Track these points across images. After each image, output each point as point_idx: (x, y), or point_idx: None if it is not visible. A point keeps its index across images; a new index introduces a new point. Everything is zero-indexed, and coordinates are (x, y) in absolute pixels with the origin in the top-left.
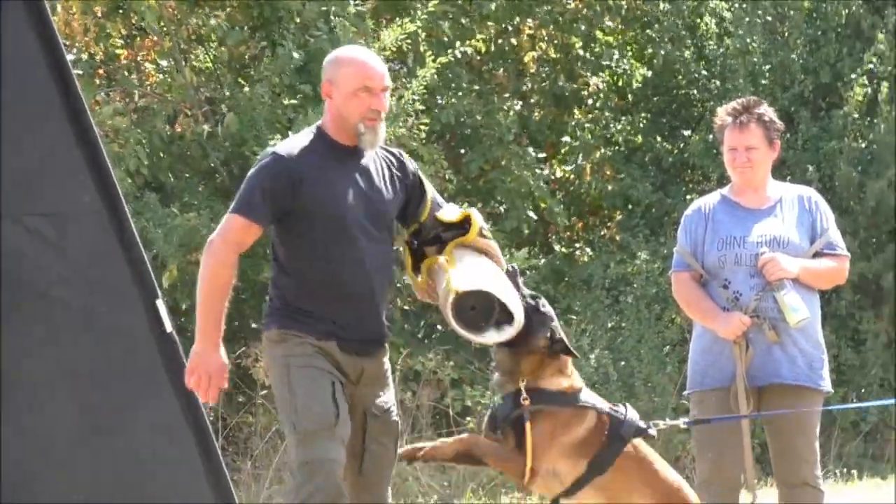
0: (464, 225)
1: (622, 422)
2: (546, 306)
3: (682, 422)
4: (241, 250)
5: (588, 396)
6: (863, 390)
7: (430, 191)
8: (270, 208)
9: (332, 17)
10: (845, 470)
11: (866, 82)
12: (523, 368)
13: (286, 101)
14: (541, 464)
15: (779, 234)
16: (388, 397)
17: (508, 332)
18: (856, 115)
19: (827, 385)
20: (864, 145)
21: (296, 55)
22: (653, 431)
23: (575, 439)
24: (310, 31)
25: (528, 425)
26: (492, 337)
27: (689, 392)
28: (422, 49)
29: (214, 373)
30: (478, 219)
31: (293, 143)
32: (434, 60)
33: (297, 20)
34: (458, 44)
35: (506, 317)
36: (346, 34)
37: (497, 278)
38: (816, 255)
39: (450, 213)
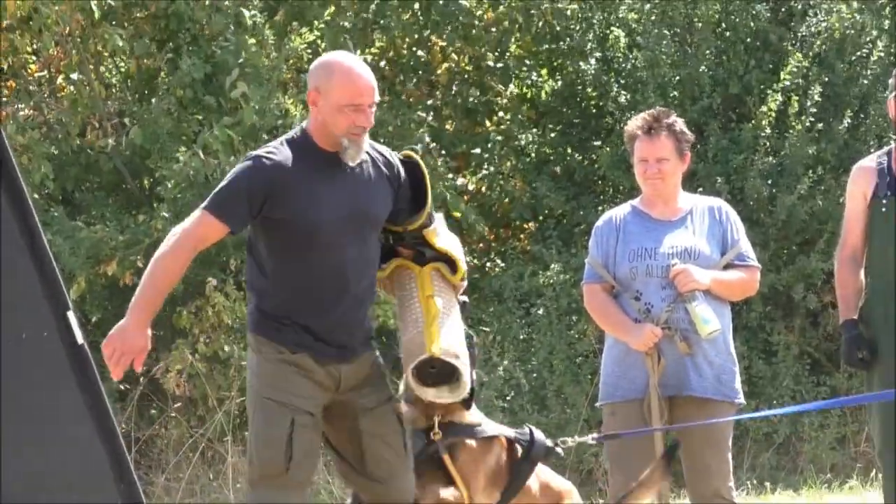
0: (447, 258)
1: (532, 445)
2: (473, 347)
3: (590, 437)
4: (202, 248)
5: (490, 426)
6: (774, 402)
7: (430, 203)
8: (246, 212)
9: (235, 29)
10: (757, 482)
11: (779, 97)
12: (438, 409)
13: (190, 115)
14: (476, 494)
15: (690, 246)
16: (378, 393)
17: (449, 398)
18: (767, 130)
19: (738, 397)
20: (773, 159)
21: (198, 67)
22: (559, 450)
23: (490, 469)
24: (217, 42)
25: (446, 458)
26: (430, 395)
27: (601, 403)
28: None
29: (130, 350)
30: (463, 265)
31: (276, 148)
32: None
33: (204, 32)
34: (358, 53)
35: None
36: (247, 48)
37: (462, 337)
38: (727, 266)
39: (442, 241)
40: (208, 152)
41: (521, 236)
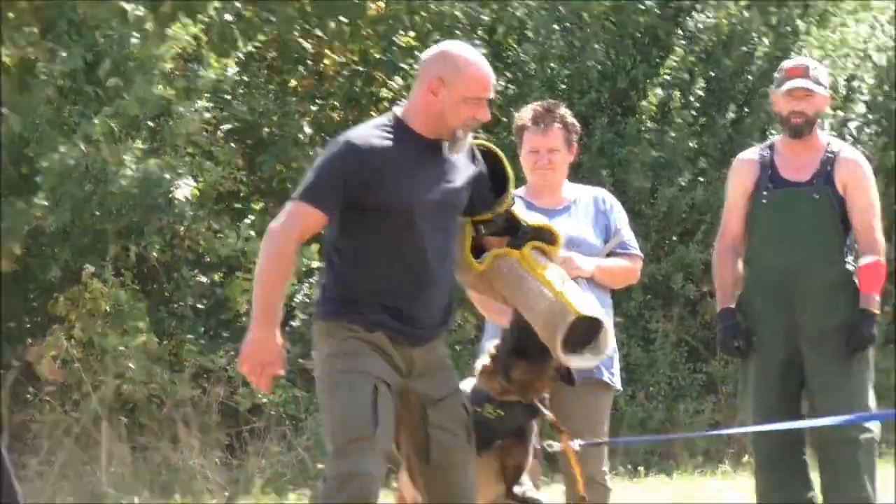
0: (541, 232)
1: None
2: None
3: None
4: (303, 239)
5: None
6: (651, 388)
7: (512, 185)
8: (340, 198)
9: (120, 19)
10: (631, 467)
11: (659, 91)
12: (538, 386)
13: (71, 105)
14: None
15: (574, 234)
16: (447, 384)
17: (591, 362)
18: (649, 123)
19: (617, 382)
20: (654, 153)
21: (75, 57)
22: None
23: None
24: (102, 31)
25: (565, 441)
26: (575, 361)
27: None
28: (203, 51)
29: (271, 361)
30: (559, 232)
31: (369, 133)
32: (218, 61)
33: (87, 22)
34: (240, 44)
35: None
36: (128, 39)
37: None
38: (610, 254)
39: (531, 216)
40: (89, 142)
41: None
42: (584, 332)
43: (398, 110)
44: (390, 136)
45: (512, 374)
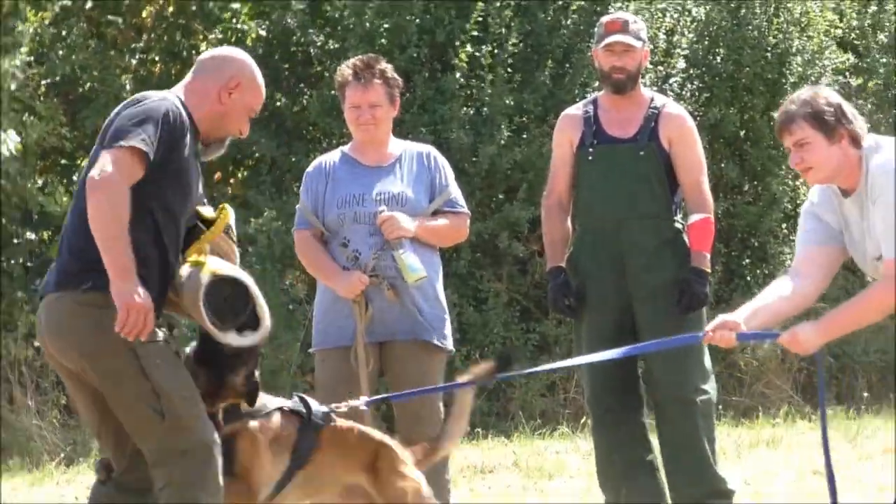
0: (209, 223)
1: (310, 412)
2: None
3: (361, 402)
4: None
5: (270, 401)
6: (486, 349)
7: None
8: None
9: None
10: (470, 428)
11: (469, 48)
12: (222, 396)
13: None
14: (258, 478)
15: (398, 192)
16: None
17: (251, 339)
18: (462, 81)
19: (449, 343)
20: (471, 110)
21: None
22: (333, 415)
23: (273, 442)
24: None
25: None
26: (231, 339)
27: (313, 350)
28: (20, 5)
29: (147, 308)
30: (231, 215)
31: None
32: (35, 14)
33: None
34: None
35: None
36: None
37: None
38: (437, 212)
39: (208, 209)
40: None
41: (232, 182)
42: (233, 304)
43: (181, 94)
44: (185, 117)
45: (196, 383)
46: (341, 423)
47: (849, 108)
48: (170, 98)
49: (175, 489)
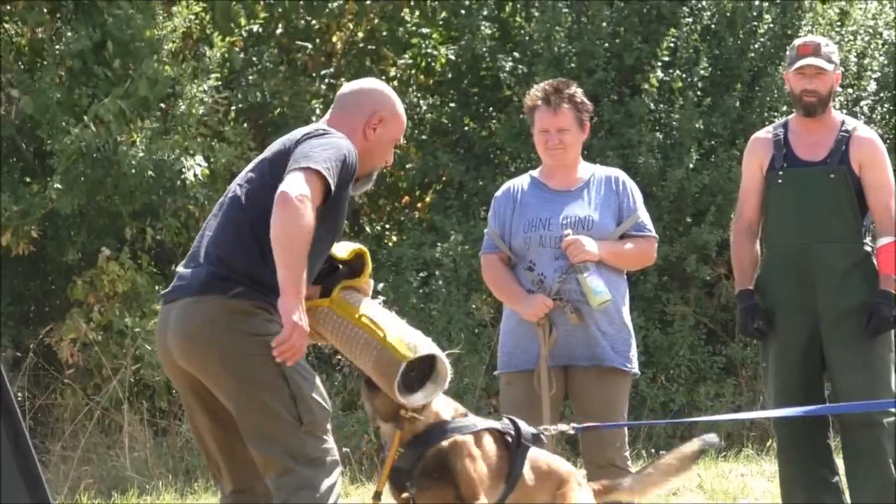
0: (352, 264)
1: (519, 434)
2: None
3: (571, 427)
4: None
5: (477, 420)
6: (671, 371)
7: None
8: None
9: None
10: (654, 450)
11: (659, 73)
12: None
13: (81, 85)
14: (481, 492)
15: (584, 216)
16: None
17: (439, 390)
18: (651, 106)
19: (634, 367)
20: (660, 134)
21: (82, 37)
22: (544, 438)
23: (492, 463)
24: (109, 10)
25: (451, 463)
26: (416, 400)
27: (498, 373)
28: (207, 30)
29: (305, 333)
30: (368, 265)
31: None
32: (223, 40)
33: (95, 2)
34: (242, 22)
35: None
36: (134, 19)
37: (410, 328)
38: (624, 236)
39: (342, 248)
40: (100, 124)
41: (419, 206)
42: (420, 367)
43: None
44: (356, 163)
45: (374, 405)
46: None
47: None
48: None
49: (307, 491)
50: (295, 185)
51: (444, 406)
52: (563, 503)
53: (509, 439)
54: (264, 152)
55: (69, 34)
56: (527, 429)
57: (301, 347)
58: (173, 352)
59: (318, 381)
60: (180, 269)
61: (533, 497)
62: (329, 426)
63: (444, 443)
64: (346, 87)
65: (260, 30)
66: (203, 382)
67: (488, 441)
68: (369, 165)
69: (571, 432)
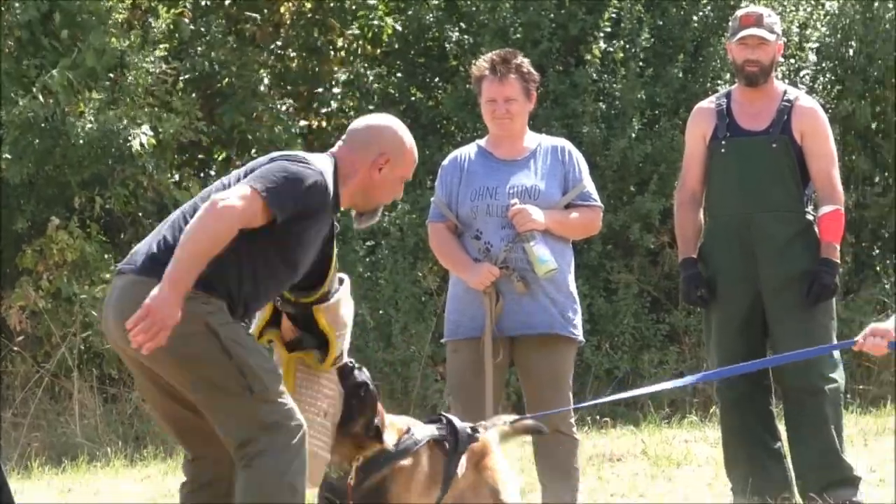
0: (322, 340)
1: (457, 438)
2: (369, 386)
3: (507, 422)
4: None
5: (417, 433)
6: (615, 339)
7: (331, 276)
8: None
9: None
10: (598, 416)
11: (603, 44)
12: (347, 452)
13: (29, 56)
14: None
15: (531, 185)
16: None
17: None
18: (594, 76)
19: (579, 334)
20: (603, 104)
21: (29, 7)
22: (479, 434)
23: (424, 479)
24: None
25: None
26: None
27: (445, 341)
28: (153, 2)
29: (168, 324)
30: (335, 350)
31: (325, 180)
32: (168, 11)
33: None
34: None
35: None
36: None
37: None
38: (570, 205)
39: (330, 317)
40: (48, 94)
41: None
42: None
43: (336, 160)
44: (330, 192)
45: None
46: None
47: None
48: (326, 172)
49: (267, 457)
50: (227, 196)
51: (387, 434)
52: (485, 474)
53: (447, 445)
54: (251, 163)
55: (17, 4)
56: (463, 429)
57: (153, 333)
58: (114, 332)
59: (262, 349)
60: (137, 246)
61: (462, 480)
62: (283, 389)
63: (386, 469)
64: (357, 121)
65: (208, 1)
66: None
67: (425, 455)
68: (375, 201)
69: (507, 427)
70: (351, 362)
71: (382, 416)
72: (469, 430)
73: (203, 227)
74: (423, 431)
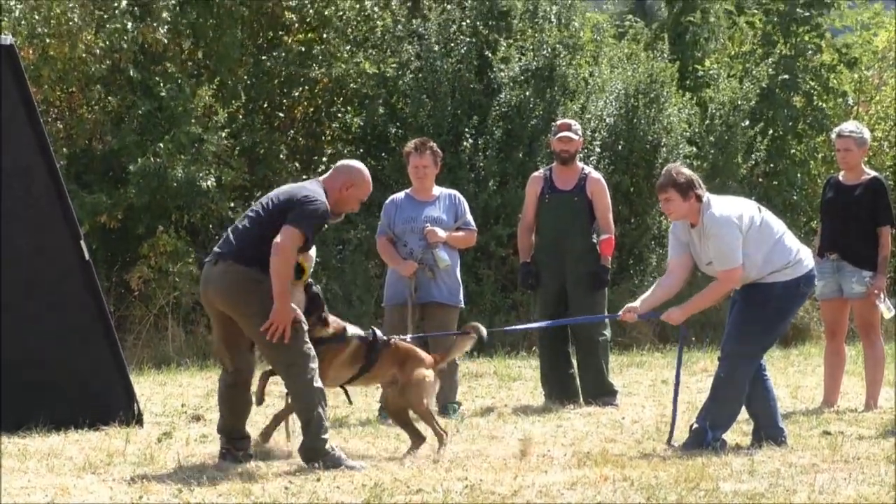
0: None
1: (375, 339)
2: (319, 295)
3: (407, 337)
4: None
5: (355, 330)
6: (481, 307)
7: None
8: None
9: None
10: (469, 352)
11: (471, 140)
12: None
13: (146, 135)
14: (326, 375)
15: (437, 216)
16: None
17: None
18: (468, 158)
19: (461, 303)
20: (472, 174)
21: None
22: (394, 339)
23: (348, 357)
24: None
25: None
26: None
27: (383, 305)
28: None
29: (286, 324)
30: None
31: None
32: (224, 109)
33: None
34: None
35: None
36: (179, 93)
37: None
38: (459, 228)
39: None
40: (157, 156)
41: None
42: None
43: (322, 185)
44: (329, 212)
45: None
46: (400, 344)
47: (696, 178)
48: (325, 198)
49: (301, 371)
50: (285, 239)
51: (331, 327)
52: (402, 374)
53: (369, 340)
54: (275, 192)
55: (139, 103)
56: (381, 336)
57: (281, 332)
58: (211, 295)
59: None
60: (224, 237)
61: (381, 369)
62: (305, 330)
63: (323, 346)
64: (339, 162)
65: (252, 104)
66: (226, 311)
67: (353, 343)
68: (341, 210)
69: (408, 339)
70: (311, 283)
71: (328, 315)
72: (386, 339)
73: (279, 265)
74: (355, 331)
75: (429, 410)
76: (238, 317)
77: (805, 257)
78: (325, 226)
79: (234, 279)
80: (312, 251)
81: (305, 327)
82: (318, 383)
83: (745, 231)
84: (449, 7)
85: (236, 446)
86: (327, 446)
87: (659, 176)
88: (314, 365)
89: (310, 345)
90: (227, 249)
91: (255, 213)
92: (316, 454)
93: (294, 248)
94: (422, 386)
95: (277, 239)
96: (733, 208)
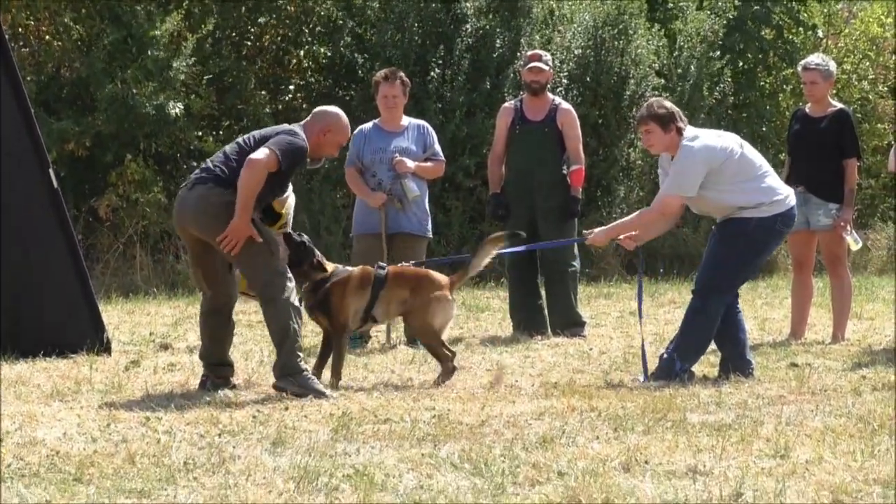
0: (275, 216)
1: (383, 271)
2: (307, 243)
3: (410, 263)
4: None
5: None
6: (449, 237)
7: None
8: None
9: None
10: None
11: (438, 70)
12: (300, 282)
13: (116, 63)
14: (343, 309)
15: (405, 146)
16: None
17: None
18: (437, 86)
19: (429, 233)
20: (439, 104)
21: None
22: (402, 265)
23: (354, 289)
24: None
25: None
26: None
27: (352, 234)
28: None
29: (243, 237)
30: (284, 219)
31: (304, 144)
32: (193, 36)
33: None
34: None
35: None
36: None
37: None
38: (427, 159)
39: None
40: (125, 83)
41: None
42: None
43: (303, 129)
44: (307, 151)
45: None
46: (409, 269)
47: (677, 111)
48: (305, 139)
49: (278, 290)
50: (258, 155)
51: (330, 266)
52: (412, 298)
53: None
54: (258, 130)
55: (107, 30)
56: (379, 271)
57: (234, 243)
58: (187, 220)
59: (273, 234)
60: (193, 175)
61: (393, 293)
62: (281, 251)
63: (328, 284)
64: (316, 108)
65: (219, 32)
66: (201, 236)
67: (356, 274)
68: (319, 154)
69: (408, 265)
70: (295, 232)
71: (322, 258)
72: (383, 273)
73: (250, 176)
74: (349, 268)
75: (435, 334)
76: (213, 240)
77: (786, 196)
78: (303, 165)
79: (210, 202)
80: (291, 200)
81: (282, 249)
82: (294, 301)
83: (721, 162)
84: None
85: (216, 373)
86: (302, 364)
87: (627, 108)
88: (291, 284)
89: (285, 265)
90: (207, 174)
91: (237, 145)
92: (290, 370)
93: (265, 167)
94: (428, 309)
95: (252, 155)
96: (711, 140)
